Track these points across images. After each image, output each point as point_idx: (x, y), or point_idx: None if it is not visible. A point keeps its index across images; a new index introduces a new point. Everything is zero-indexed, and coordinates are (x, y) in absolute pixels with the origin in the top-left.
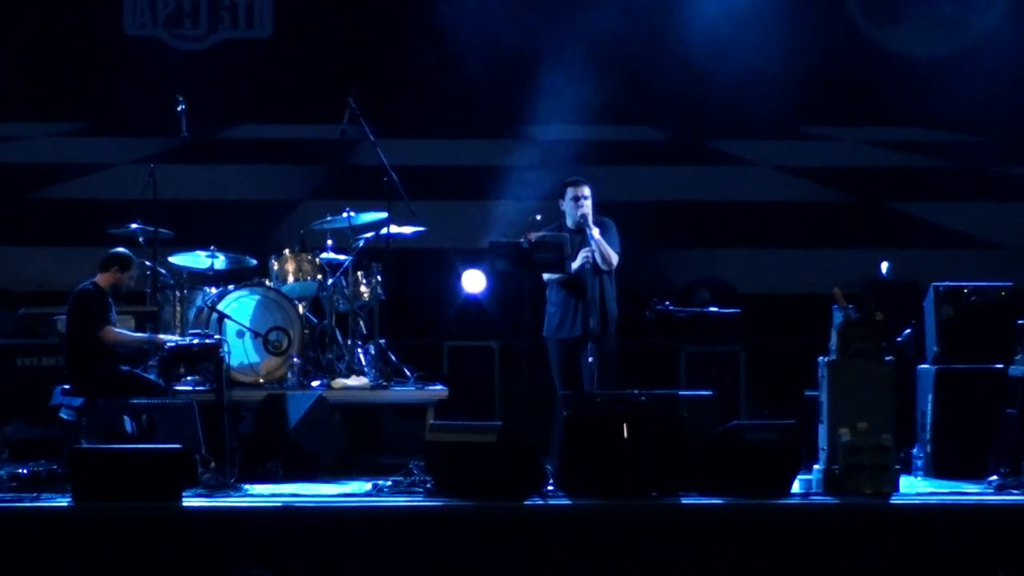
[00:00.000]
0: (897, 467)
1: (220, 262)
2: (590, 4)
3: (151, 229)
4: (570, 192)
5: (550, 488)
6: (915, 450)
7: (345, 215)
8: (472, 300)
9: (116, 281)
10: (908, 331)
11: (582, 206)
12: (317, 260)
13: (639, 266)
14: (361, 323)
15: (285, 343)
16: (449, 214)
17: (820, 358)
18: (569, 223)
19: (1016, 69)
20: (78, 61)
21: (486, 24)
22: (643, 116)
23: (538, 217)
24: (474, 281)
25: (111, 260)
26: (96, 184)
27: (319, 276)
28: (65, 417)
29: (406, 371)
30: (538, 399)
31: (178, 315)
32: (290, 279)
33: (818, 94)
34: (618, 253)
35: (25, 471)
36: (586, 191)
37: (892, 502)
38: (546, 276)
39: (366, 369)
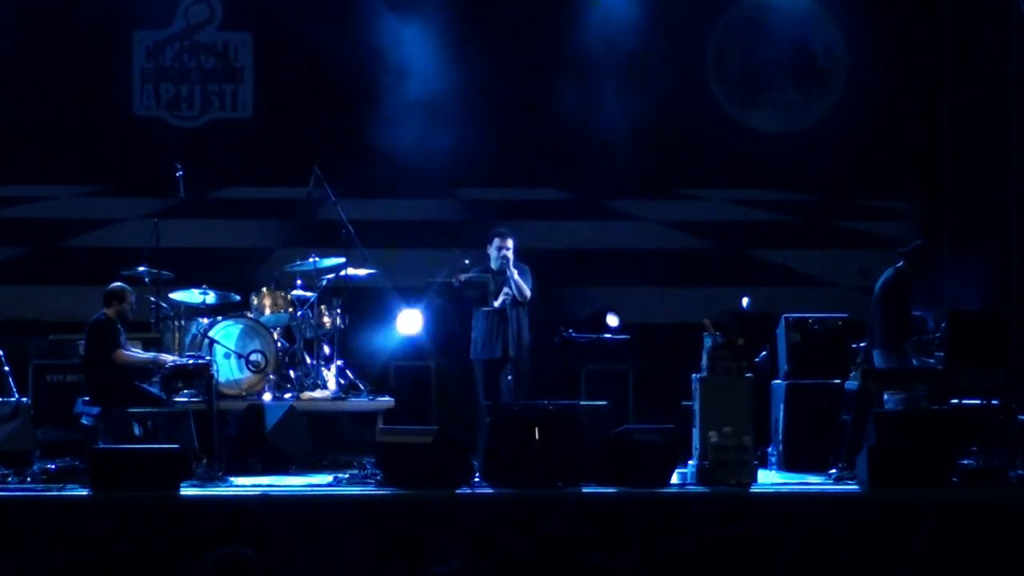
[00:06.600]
0: (755, 462)
1: (210, 298)
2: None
3: (155, 271)
4: (496, 241)
5: (476, 480)
6: (770, 449)
7: (311, 260)
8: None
9: (120, 311)
10: (764, 353)
11: (504, 253)
12: (288, 296)
13: (550, 301)
14: (324, 347)
15: (263, 363)
16: (395, 259)
17: (694, 375)
18: (493, 266)
19: (847, 143)
20: (97, 136)
21: (419, 111)
22: (551, 180)
23: (466, 261)
24: (409, 321)
25: (111, 295)
26: (111, 235)
27: (290, 309)
28: (85, 423)
29: (360, 386)
30: (466, 408)
31: (176, 340)
32: (267, 311)
33: (691, 162)
34: (531, 290)
35: (53, 466)
36: (509, 242)
37: (751, 490)
38: (475, 309)
39: (328, 384)
